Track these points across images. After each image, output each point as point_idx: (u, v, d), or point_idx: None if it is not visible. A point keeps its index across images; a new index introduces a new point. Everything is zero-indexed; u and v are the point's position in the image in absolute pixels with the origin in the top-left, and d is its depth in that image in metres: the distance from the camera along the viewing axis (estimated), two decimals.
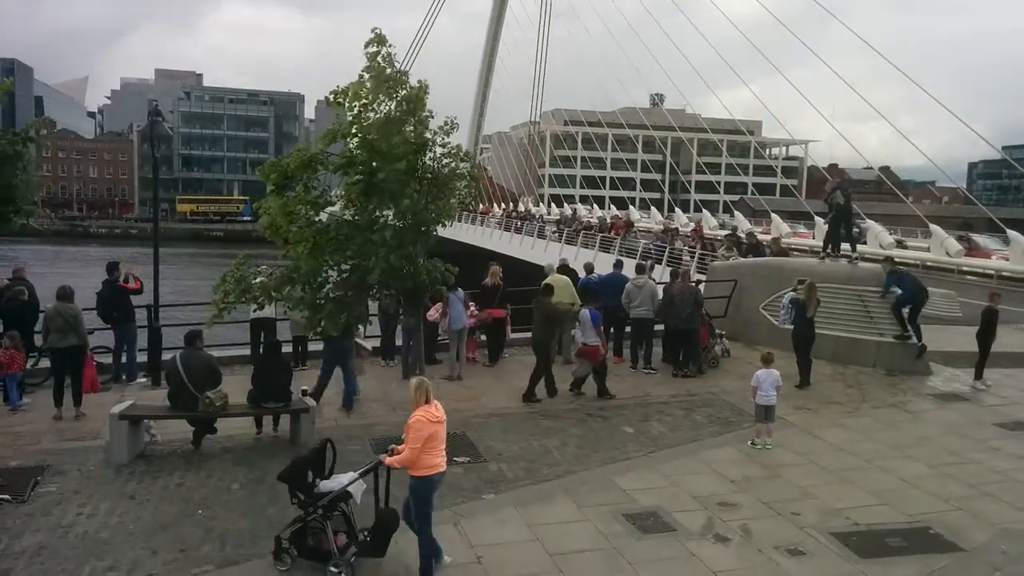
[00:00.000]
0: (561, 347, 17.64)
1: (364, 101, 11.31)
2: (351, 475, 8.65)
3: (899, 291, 17.89)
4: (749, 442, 12.75)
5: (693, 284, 18.84)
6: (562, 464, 11.88)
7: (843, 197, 20.13)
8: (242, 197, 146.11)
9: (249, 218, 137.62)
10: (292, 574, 8.37)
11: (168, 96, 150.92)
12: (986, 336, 16.75)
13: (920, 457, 12.27)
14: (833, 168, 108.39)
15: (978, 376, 16.84)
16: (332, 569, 8.22)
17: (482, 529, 9.48)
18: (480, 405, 14.81)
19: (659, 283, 20.16)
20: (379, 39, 11.40)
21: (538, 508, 10.17)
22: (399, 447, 8.54)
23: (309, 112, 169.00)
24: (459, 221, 65.40)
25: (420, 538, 8.29)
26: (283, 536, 8.53)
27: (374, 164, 10.92)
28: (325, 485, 8.57)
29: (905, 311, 17.94)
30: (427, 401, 8.30)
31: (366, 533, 8.52)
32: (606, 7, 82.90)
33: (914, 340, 17.99)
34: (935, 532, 9.56)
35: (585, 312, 15.64)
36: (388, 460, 8.43)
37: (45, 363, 14.94)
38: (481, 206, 79.17)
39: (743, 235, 31.39)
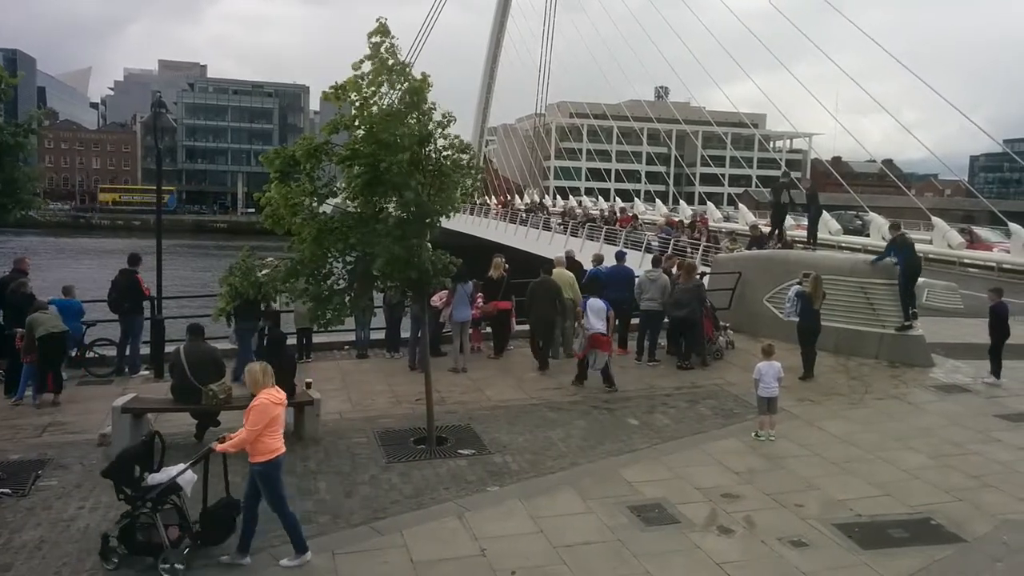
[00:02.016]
0: (564, 340, 17.59)
1: (365, 93, 11.24)
2: (180, 466, 8.51)
3: (893, 259, 18.29)
4: (753, 434, 12.76)
5: (698, 277, 18.77)
6: (567, 456, 11.88)
7: (776, 195, 23.39)
8: (168, 188, 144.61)
9: (173, 208, 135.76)
10: (122, 572, 8.17)
11: (172, 87, 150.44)
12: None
13: (922, 448, 12.28)
14: (836, 161, 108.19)
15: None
16: (163, 564, 8.03)
17: (486, 521, 9.49)
18: (485, 397, 14.79)
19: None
20: (383, 29, 11.31)
21: (543, 500, 10.18)
22: (230, 435, 8.61)
23: (314, 104, 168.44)
24: (469, 214, 65.54)
25: (283, 519, 8.42)
26: (111, 533, 8.30)
27: (378, 156, 10.86)
28: (154, 478, 8.39)
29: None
30: (271, 384, 8.46)
31: (198, 524, 8.44)
32: (611, 0, 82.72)
33: (918, 332, 18.01)
34: (937, 523, 9.58)
35: (596, 300, 15.51)
36: (220, 447, 8.43)
37: None
38: (490, 199, 79.13)
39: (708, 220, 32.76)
